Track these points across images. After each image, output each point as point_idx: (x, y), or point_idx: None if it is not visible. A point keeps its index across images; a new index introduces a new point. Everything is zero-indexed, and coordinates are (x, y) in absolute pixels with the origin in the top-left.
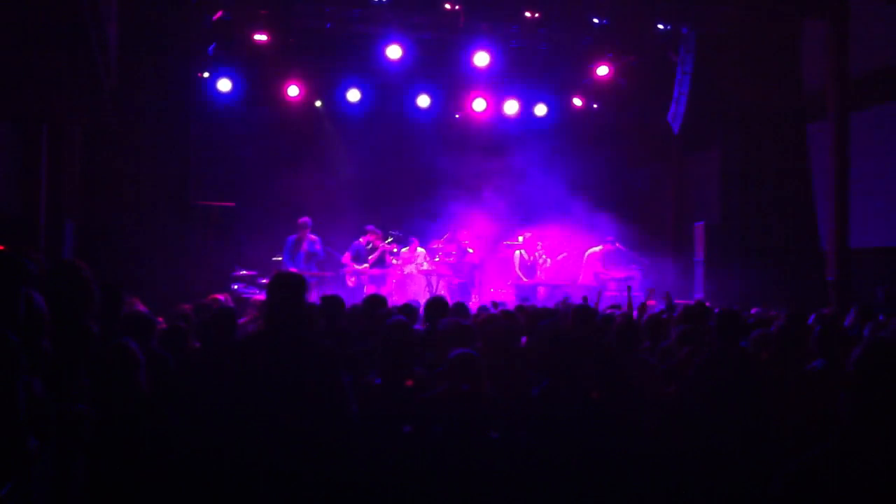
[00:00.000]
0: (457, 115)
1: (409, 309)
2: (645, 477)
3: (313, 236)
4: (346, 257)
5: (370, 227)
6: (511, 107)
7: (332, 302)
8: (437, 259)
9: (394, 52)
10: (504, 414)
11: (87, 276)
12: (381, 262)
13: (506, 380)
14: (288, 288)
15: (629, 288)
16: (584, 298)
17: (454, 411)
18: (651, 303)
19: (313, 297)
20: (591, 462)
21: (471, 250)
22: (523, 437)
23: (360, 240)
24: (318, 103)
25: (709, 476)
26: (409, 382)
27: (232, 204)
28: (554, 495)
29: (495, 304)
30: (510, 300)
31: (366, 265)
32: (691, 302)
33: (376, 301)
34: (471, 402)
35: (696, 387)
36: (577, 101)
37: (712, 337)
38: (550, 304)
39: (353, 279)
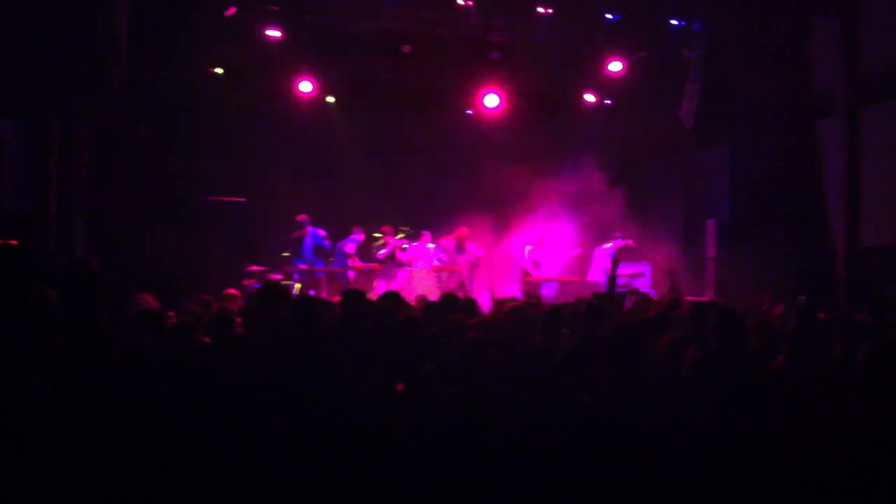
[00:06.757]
0: (468, 111)
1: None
2: (646, 474)
3: (321, 231)
4: (351, 250)
5: (356, 229)
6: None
7: (353, 297)
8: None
9: (405, 48)
10: (501, 416)
11: (100, 273)
12: (391, 259)
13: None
14: (276, 299)
15: (615, 260)
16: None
17: (447, 415)
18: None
19: (323, 292)
20: (591, 463)
21: (480, 254)
22: (516, 440)
23: (353, 237)
24: (329, 99)
25: (710, 477)
26: (399, 386)
27: (242, 199)
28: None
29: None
30: (518, 296)
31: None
32: (702, 298)
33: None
34: (465, 406)
35: (693, 385)
36: (590, 97)
37: (710, 335)
38: (560, 301)
39: (353, 274)
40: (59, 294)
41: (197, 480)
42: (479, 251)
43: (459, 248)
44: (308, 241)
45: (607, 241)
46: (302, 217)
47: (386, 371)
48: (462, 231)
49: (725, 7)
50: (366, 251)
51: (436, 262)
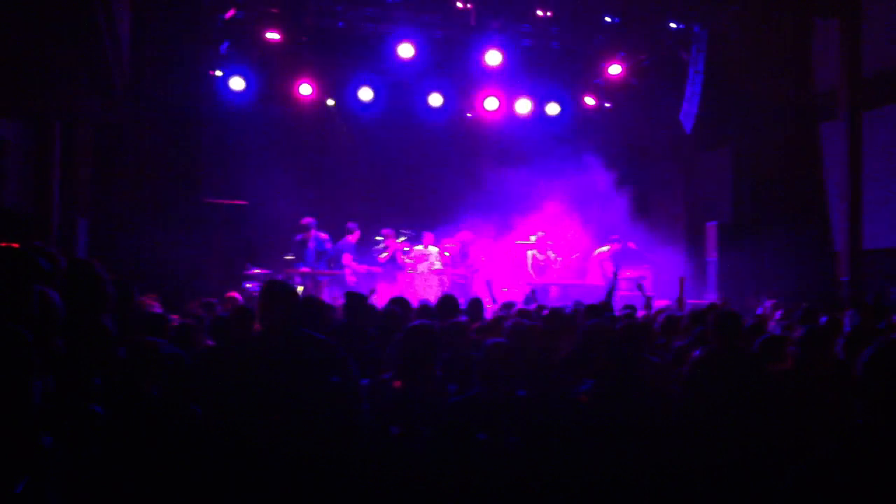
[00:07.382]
0: (469, 114)
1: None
2: (646, 474)
3: (323, 234)
4: (347, 258)
5: (351, 225)
6: (523, 106)
7: (354, 299)
8: (446, 254)
9: (406, 50)
10: (501, 415)
11: (102, 274)
12: (393, 262)
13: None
14: (281, 297)
15: (615, 272)
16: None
17: (447, 414)
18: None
19: (324, 295)
20: (592, 464)
21: (482, 258)
22: (514, 439)
23: (348, 238)
24: (330, 102)
25: (710, 477)
26: (398, 384)
27: (244, 202)
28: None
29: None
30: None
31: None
32: (703, 301)
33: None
34: (466, 405)
35: (692, 385)
36: (590, 100)
37: (710, 336)
38: (561, 304)
39: (353, 278)
40: (60, 295)
41: (198, 480)
42: (482, 256)
43: (463, 253)
44: (311, 245)
45: (604, 244)
46: (307, 220)
47: (388, 371)
48: (465, 236)
49: (726, 9)
50: (365, 251)
51: (437, 265)
